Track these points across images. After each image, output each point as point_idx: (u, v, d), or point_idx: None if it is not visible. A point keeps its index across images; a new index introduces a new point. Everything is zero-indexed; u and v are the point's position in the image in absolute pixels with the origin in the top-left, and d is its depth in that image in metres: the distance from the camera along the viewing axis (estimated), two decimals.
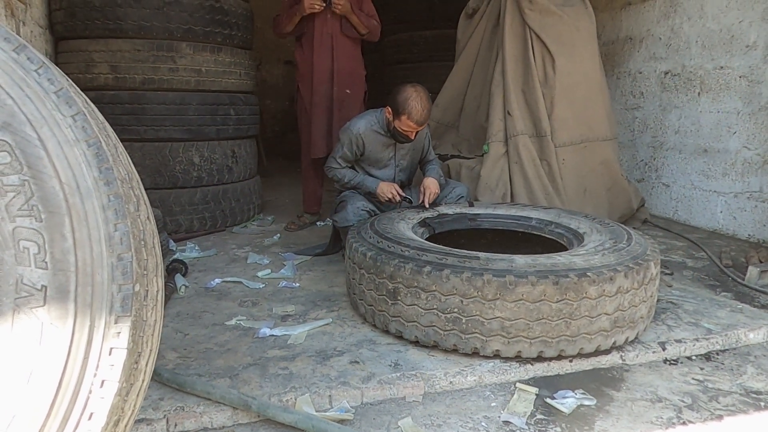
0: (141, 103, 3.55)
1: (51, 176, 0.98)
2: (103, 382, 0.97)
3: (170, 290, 2.57)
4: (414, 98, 2.67)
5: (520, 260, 2.00)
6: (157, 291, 1.13)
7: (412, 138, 2.85)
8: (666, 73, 4.19)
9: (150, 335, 1.09)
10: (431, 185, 2.86)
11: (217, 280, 2.79)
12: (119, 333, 0.99)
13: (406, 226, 2.53)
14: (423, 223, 2.70)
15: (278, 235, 3.73)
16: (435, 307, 1.97)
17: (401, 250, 2.12)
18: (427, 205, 2.83)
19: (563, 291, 1.88)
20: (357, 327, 2.27)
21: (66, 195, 0.98)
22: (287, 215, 4.31)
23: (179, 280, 2.69)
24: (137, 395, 1.08)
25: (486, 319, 1.91)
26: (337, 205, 3.04)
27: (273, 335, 2.17)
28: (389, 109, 2.80)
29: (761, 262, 2.91)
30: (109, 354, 0.98)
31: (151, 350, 1.10)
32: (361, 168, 3.07)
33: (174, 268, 2.79)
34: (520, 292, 1.87)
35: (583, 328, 1.93)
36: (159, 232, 3.14)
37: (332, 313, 2.41)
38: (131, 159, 3.73)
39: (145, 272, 1.06)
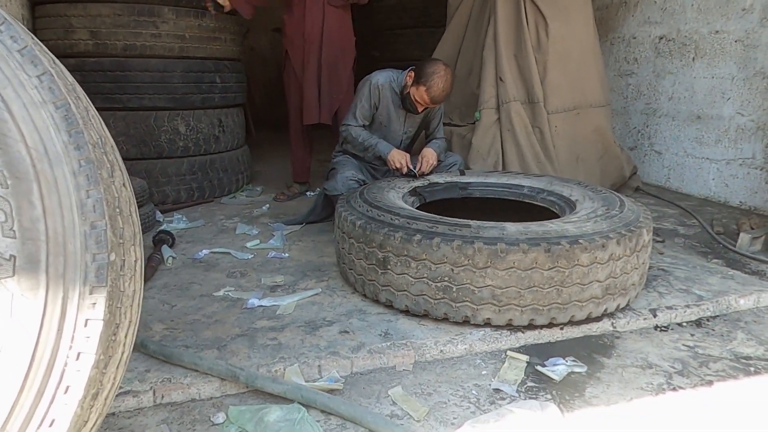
0: (123, 71, 3.45)
1: (16, 140, 0.92)
2: (78, 354, 0.94)
3: (157, 261, 2.53)
4: (440, 76, 2.65)
5: (512, 228, 1.97)
6: (135, 261, 1.09)
7: (419, 111, 2.82)
8: (660, 38, 4.12)
9: (129, 306, 1.05)
10: (430, 156, 2.81)
11: (205, 251, 2.75)
12: (94, 304, 0.95)
13: (397, 195, 2.49)
14: (413, 192, 2.66)
15: (267, 205, 3.68)
16: (425, 275, 1.94)
17: (391, 219, 2.08)
18: (425, 172, 2.79)
19: (555, 258, 1.86)
20: (347, 297, 2.25)
21: (33, 160, 0.93)
22: (276, 186, 4.24)
23: (166, 251, 2.65)
24: (117, 368, 1.05)
25: (477, 287, 1.89)
26: (328, 173, 2.98)
27: (262, 306, 2.15)
28: (412, 74, 2.75)
29: (753, 228, 2.90)
30: (85, 326, 0.94)
31: (130, 321, 1.07)
32: (370, 130, 2.99)
33: (161, 239, 2.75)
34: (511, 259, 1.85)
35: (574, 296, 1.92)
36: (145, 204, 3.09)
37: (322, 283, 2.39)
38: (115, 129, 3.63)
39: (121, 241, 1.02)
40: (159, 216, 3.33)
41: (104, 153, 1.04)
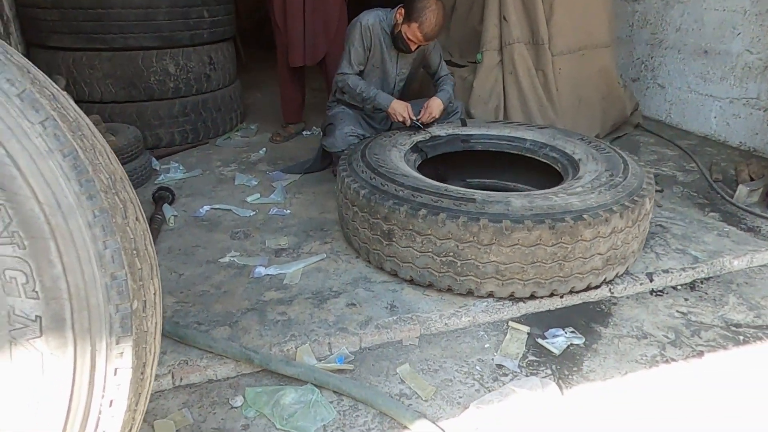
0: (104, 7, 3.25)
1: (28, 197, 0.90)
2: (111, 401, 0.97)
3: (159, 222, 2.53)
4: (432, 10, 2.51)
5: (517, 202, 1.97)
6: (155, 293, 1.10)
7: (412, 50, 2.70)
8: None
9: (152, 341, 1.07)
10: (434, 108, 2.72)
11: (206, 208, 2.74)
12: (122, 353, 0.97)
13: (399, 155, 2.46)
14: (415, 148, 2.62)
15: (264, 149, 3.62)
16: (430, 250, 1.97)
17: (395, 190, 2.07)
18: (425, 122, 2.72)
19: (559, 235, 1.88)
20: (351, 262, 2.29)
21: (47, 216, 0.91)
22: (270, 122, 4.15)
23: (167, 210, 2.64)
24: (145, 398, 1.09)
25: (481, 263, 1.92)
26: (325, 127, 2.91)
27: (268, 274, 2.18)
28: (402, 11, 2.60)
29: (751, 178, 2.92)
30: (114, 374, 0.97)
31: (154, 354, 1.10)
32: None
33: (161, 197, 2.73)
34: (516, 237, 1.87)
35: (576, 269, 1.96)
36: (140, 154, 3.04)
37: (325, 246, 2.41)
38: (102, 70, 3.50)
39: (141, 283, 1.02)
40: (155, 164, 3.28)
41: (116, 193, 1.02)
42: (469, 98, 3.24)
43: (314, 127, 4.02)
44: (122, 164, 2.98)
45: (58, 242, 0.91)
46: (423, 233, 1.95)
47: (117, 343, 0.96)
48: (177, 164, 3.29)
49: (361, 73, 2.82)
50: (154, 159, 3.30)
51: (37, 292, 0.91)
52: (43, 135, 0.92)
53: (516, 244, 1.88)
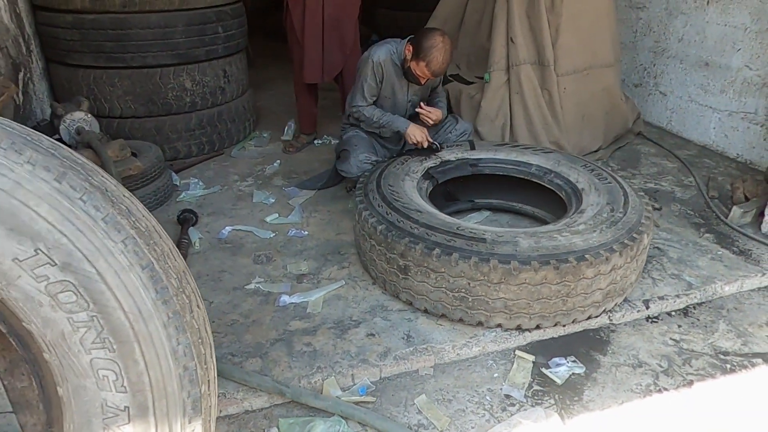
0: (124, 29, 3.35)
1: (115, 308, 1.06)
2: None
3: (186, 246, 2.69)
4: (439, 49, 2.65)
5: (524, 243, 2.12)
6: (213, 368, 1.26)
7: (422, 84, 2.84)
8: None
9: (214, 413, 1.25)
10: (435, 112, 2.92)
11: (228, 229, 2.90)
12: (193, 430, 1.14)
13: (412, 185, 2.60)
14: (426, 175, 2.76)
15: (278, 161, 3.75)
16: (443, 286, 2.13)
17: (410, 227, 2.22)
18: (431, 122, 2.91)
19: (563, 275, 2.04)
20: (368, 289, 2.45)
21: (131, 322, 1.07)
22: (281, 125, 4.28)
23: (193, 234, 2.80)
24: None
25: (491, 299, 2.09)
26: (340, 151, 3.05)
27: (293, 303, 2.35)
28: (410, 48, 2.74)
29: (746, 196, 3.06)
30: None
31: (215, 420, 1.27)
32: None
33: (185, 219, 2.88)
34: (523, 277, 2.03)
35: (578, 304, 2.13)
36: (163, 172, 3.18)
37: (343, 271, 2.58)
38: (122, 88, 3.65)
39: (205, 367, 1.19)
40: (175, 179, 3.42)
41: (182, 291, 1.18)
42: (476, 116, 3.36)
43: (325, 136, 4.14)
44: (145, 185, 3.12)
45: (140, 344, 1.08)
46: (437, 270, 2.11)
47: (189, 422, 1.14)
48: (196, 180, 3.43)
49: (374, 103, 2.96)
50: (174, 174, 3.44)
51: (125, 386, 1.08)
52: (124, 252, 1.07)
53: (523, 283, 2.04)
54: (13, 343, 1.09)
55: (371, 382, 2.01)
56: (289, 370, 2.01)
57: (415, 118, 3.15)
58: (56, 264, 1.02)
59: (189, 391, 1.13)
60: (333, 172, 3.32)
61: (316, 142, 4.08)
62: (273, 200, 3.23)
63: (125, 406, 1.08)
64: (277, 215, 3.06)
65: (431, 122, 2.93)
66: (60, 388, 1.07)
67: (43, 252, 1.01)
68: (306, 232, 2.90)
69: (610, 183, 2.58)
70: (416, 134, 2.88)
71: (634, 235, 2.20)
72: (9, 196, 1.00)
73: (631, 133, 4.02)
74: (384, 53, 2.87)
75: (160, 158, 3.20)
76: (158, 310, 1.10)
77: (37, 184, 1.02)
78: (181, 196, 3.25)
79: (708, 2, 3.75)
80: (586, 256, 2.06)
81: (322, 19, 3.41)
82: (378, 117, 2.93)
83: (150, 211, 1.25)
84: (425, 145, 2.88)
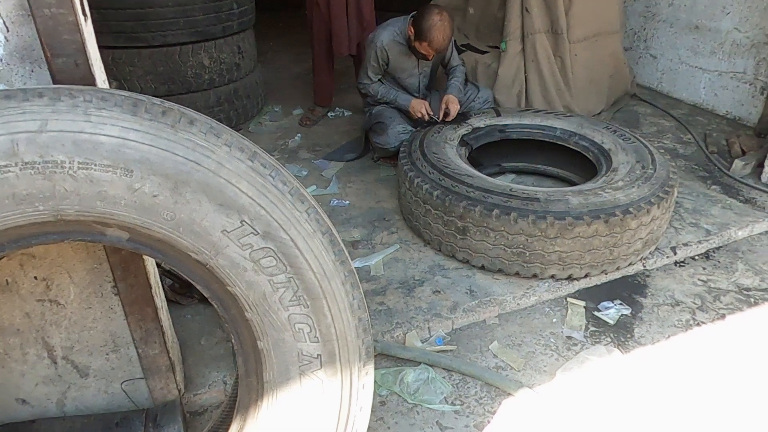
0: (144, 7, 3.34)
1: (307, 269, 1.20)
2: (361, 407, 1.32)
3: None
4: (437, 27, 2.80)
5: (574, 200, 2.33)
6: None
7: (429, 59, 2.99)
8: None
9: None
10: (451, 106, 3.03)
11: None
12: (367, 373, 1.31)
13: (453, 152, 2.77)
14: (462, 142, 2.93)
15: (299, 135, 3.84)
16: (502, 243, 2.33)
17: (466, 191, 2.39)
18: (449, 118, 3.02)
19: (611, 227, 2.26)
20: (422, 251, 2.63)
21: (319, 281, 1.22)
22: (290, 99, 4.36)
23: None
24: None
25: (546, 252, 2.30)
26: (372, 124, 3.17)
27: (356, 267, 2.51)
28: (412, 29, 2.87)
29: (743, 150, 3.35)
30: (363, 388, 1.31)
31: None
32: (389, 77, 3.19)
33: None
34: (577, 231, 2.24)
35: (622, 253, 2.37)
36: None
37: (393, 236, 2.74)
38: (142, 68, 3.70)
39: (369, 315, 1.35)
40: None
41: (345, 251, 1.33)
42: (494, 84, 3.53)
43: (337, 108, 4.24)
44: None
45: (327, 299, 1.23)
46: (496, 230, 2.30)
47: (364, 366, 1.30)
48: None
49: (385, 78, 3.14)
50: None
51: (317, 337, 1.23)
52: (308, 221, 1.22)
53: (577, 237, 2.26)
54: (215, 305, 1.22)
55: (446, 333, 2.20)
56: (371, 327, 2.17)
57: (430, 87, 3.31)
58: (258, 233, 1.15)
59: (363, 339, 1.29)
60: (358, 144, 3.45)
61: (330, 114, 4.17)
62: (306, 173, 3.34)
63: (318, 354, 1.23)
64: (315, 187, 3.18)
65: (453, 115, 3.06)
66: (260, 342, 1.22)
67: (247, 223, 1.14)
68: (347, 202, 3.04)
69: (633, 143, 2.80)
70: (418, 108, 3.07)
71: (667, 188, 2.43)
72: (215, 174, 1.12)
73: (627, 95, 4.26)
74: (387, 36, 3.01)
75: None
76: (337, 269, 1.25)
77: (235, 163, 1.15)
78: None
79: None
80: (630, 209, 2.29)
81: None
82: (383, 94, 3.12)
83: None
84: (427, 118, 3.06)
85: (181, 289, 2.27)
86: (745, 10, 3.74)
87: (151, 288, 1.57)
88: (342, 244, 1.26)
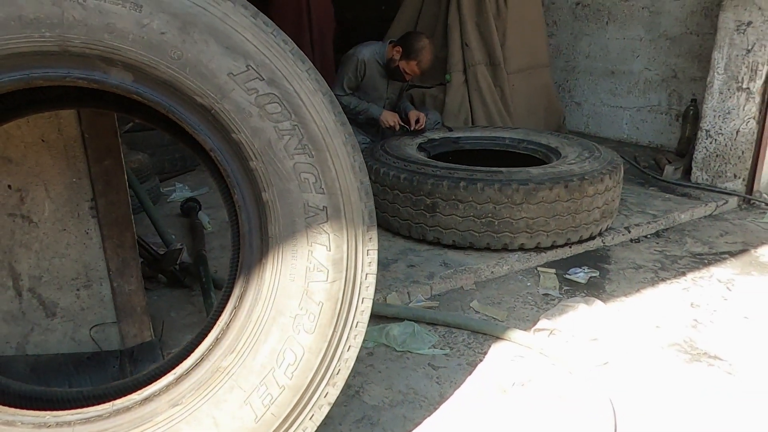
0: None
1: (311, 120, 1.22)
2: (367, 275, 1.28)
3: (199, 227, 2.73)
4: (428, 50, 3.13)
5: (534, 171, 2.47)
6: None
7: (407, 80, 3.23)
8: (577, 4, 4.78)
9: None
10: (421, 116, 3.27)
11: None
12: (371, 238, 1.29)
13: (414, 151, 2.89)
14: (420, 148, 3.07)
15: None
16: (471, 214, 2.39)
17: (433, 171, 2.49)
18: (421, 127, 3.24)
19: (571, 192, 2.39)
20: (391, 240, 2.64)
21: (323, 135, 1.24)
22: None
23: (204, 217, 2.84)
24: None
25: (514, 219, 2.38)
26: None
27: None
28: (400, 48, 3.13)
29: (669, 162, 3.68)
30: (367, 254, 1.29)
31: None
32: (358, 94, 3.37)
33: (190, 207, 2.92)
34: (540, 195, 2.36)
35: (583, 220, 2.48)
36: (150, 177, 3.21)
37: None
38: None
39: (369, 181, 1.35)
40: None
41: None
42: (442, 112, 3.77)
43: None
44: (141, 183, 3.09)
45: (330, 154, 1.24)
46: (465, 201, 2.38)
47: (368, 230, 1.29)
48: (181, 185, 3.46)
49: (355, 94, 3.32)
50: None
51: (323, 188, 1.22)
52: (309, 79, 1.25)
53: (540, 202, 2.36)
54: (217, 158, 1.21)
55: (425, 298, 2.18)
56: None
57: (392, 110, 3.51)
58: (264, 79, 1.18)
59: (366, 203, 1.29)
60: None
61: None
62: None
63: (323, 206, 1.22)
64: None
65: (422, 124, 3.29)
66: (265, 193, 1.20)
67: (253, 68, 1.18)
68: None
69: (577, 140, 3.04)
70: (389, 119, 3.26)
71: (614, 164, 2.63)
72: (222, 21, 1.17)
73: (561, 130, 4.63)
74: (368, 53, 3.25)
75: (147, 164, 3.23)
76: (338, 129, 1.27)
77: (240, 17, 1.20)
78: (172, 197, 3.27)
79: (607, 22, 4.56)
80: (586, 176, 2.44)
81: (311, 36, 3.76)
82: (355, 105, 3.30)
83: None
84: (397, 128, 3.25)
85: (149, 272, 2.16)
86: (652, 51, 4.27)
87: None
88: (341, 108, 1.30)
